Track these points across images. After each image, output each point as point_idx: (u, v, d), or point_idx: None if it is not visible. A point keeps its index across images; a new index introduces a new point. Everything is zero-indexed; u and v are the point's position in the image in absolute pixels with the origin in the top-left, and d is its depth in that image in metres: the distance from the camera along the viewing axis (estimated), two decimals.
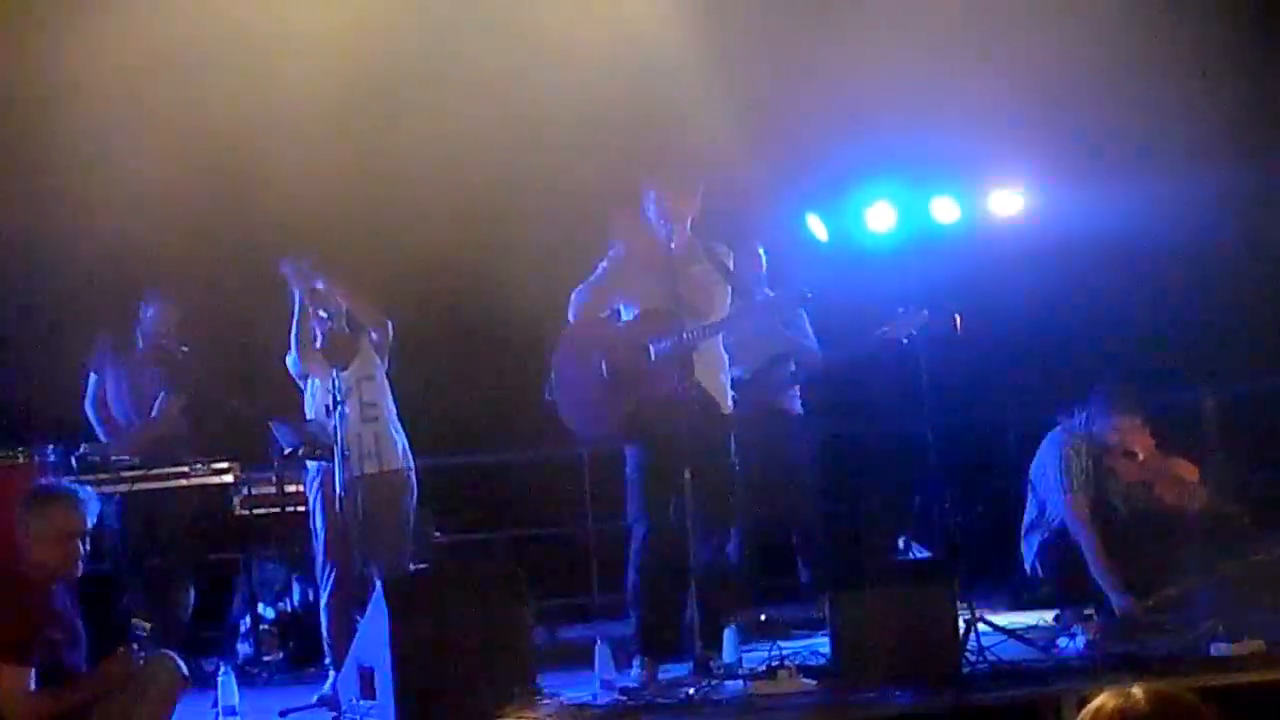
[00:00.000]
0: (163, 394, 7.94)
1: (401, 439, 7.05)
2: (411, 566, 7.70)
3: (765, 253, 8.17)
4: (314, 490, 6.98)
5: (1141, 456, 7.41)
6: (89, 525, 5.53)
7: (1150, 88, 8.28)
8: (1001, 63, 8.33)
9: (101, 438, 7.95)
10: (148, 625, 5.67)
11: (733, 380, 7.83)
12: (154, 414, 7.96)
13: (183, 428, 8.02)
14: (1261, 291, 9.04)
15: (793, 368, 8.14)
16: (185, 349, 7.99)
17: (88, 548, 5.56)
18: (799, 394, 8.24)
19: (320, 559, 6.97)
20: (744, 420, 7.11)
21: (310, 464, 7.02)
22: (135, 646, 5.46)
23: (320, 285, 6.98)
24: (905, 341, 7.35)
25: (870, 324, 7.66)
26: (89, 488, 5.90)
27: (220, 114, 7.85)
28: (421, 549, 8.24)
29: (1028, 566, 7.58)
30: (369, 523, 6.71)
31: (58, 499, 5.58)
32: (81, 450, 7.73)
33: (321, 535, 6.91)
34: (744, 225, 7.87)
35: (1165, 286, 8.98)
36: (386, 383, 7.07)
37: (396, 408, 7.08)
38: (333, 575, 6.86)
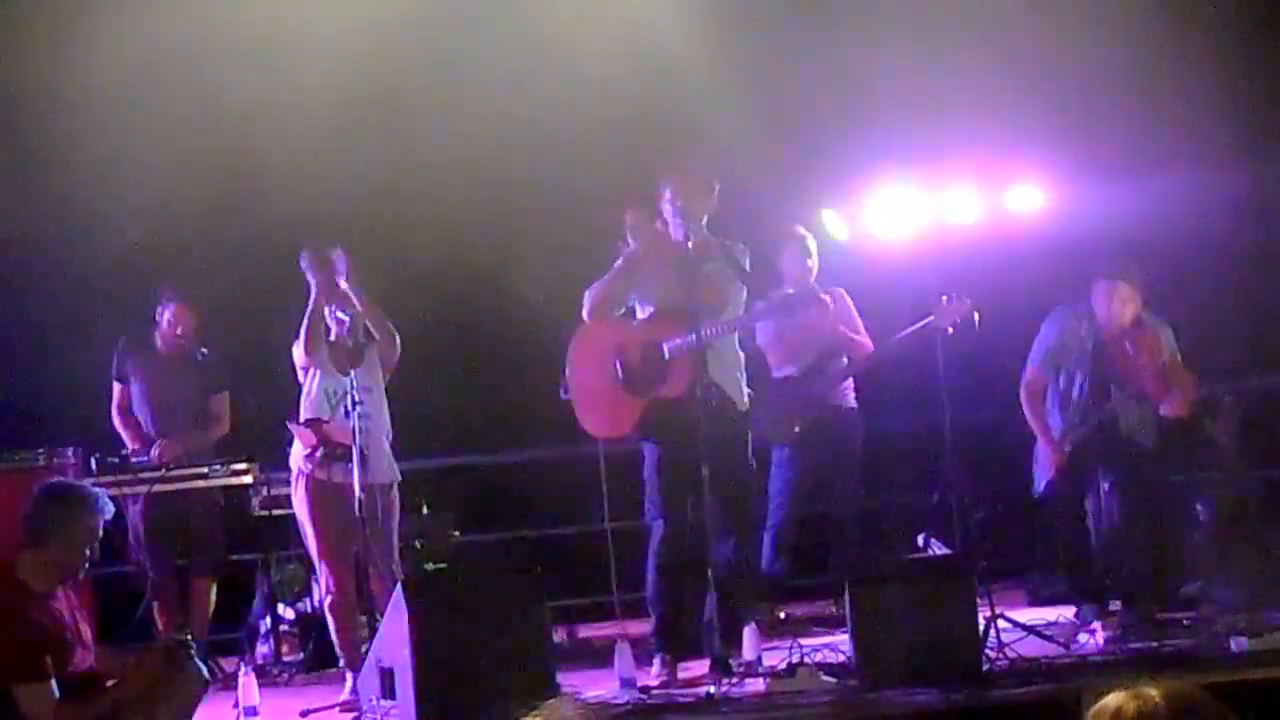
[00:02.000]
0: (224, 395, 8.01)
1: (389, 455, 7.03)
2: (430, 567, 7.72)
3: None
4: (300, 494, 6.95)
5: (1140, 355, 7.36)
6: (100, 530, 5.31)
7: (1171, 83, 8.25)
8: (1020, 59, 8.32)
9: (128, 445, 7.92)
10: (190, 638, 5.58)
11: (785, 378, 7.87)
12: (217, 414, 8.01)
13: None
14: None
15: (844, 362, 8.11)
16: (204, 350, 8.02)
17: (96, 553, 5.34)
18: (853, 388, 8.23)
19: (316, 563, 6.98)
20: (801, 419, 7.74)
21: (294, 467, 7.00)
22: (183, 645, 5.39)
23: (342, 284, 6.98)
24: (951, 331, 7.29)
25: (907, 317, 7.64)
26: (99, 490, 5.61)
27: (230, 116, 7.89)
28: (441, 549, 8.26)
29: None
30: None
31: (80, 500, 5.31)
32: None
33: (314, 540, 6.91)
34: (760, 223, 7.86)
35: (1182, 283, 8.94)
36: (384, 399, 7.05)
37: (391, 423, 7.07)
38: (330, 579, 6.87)
